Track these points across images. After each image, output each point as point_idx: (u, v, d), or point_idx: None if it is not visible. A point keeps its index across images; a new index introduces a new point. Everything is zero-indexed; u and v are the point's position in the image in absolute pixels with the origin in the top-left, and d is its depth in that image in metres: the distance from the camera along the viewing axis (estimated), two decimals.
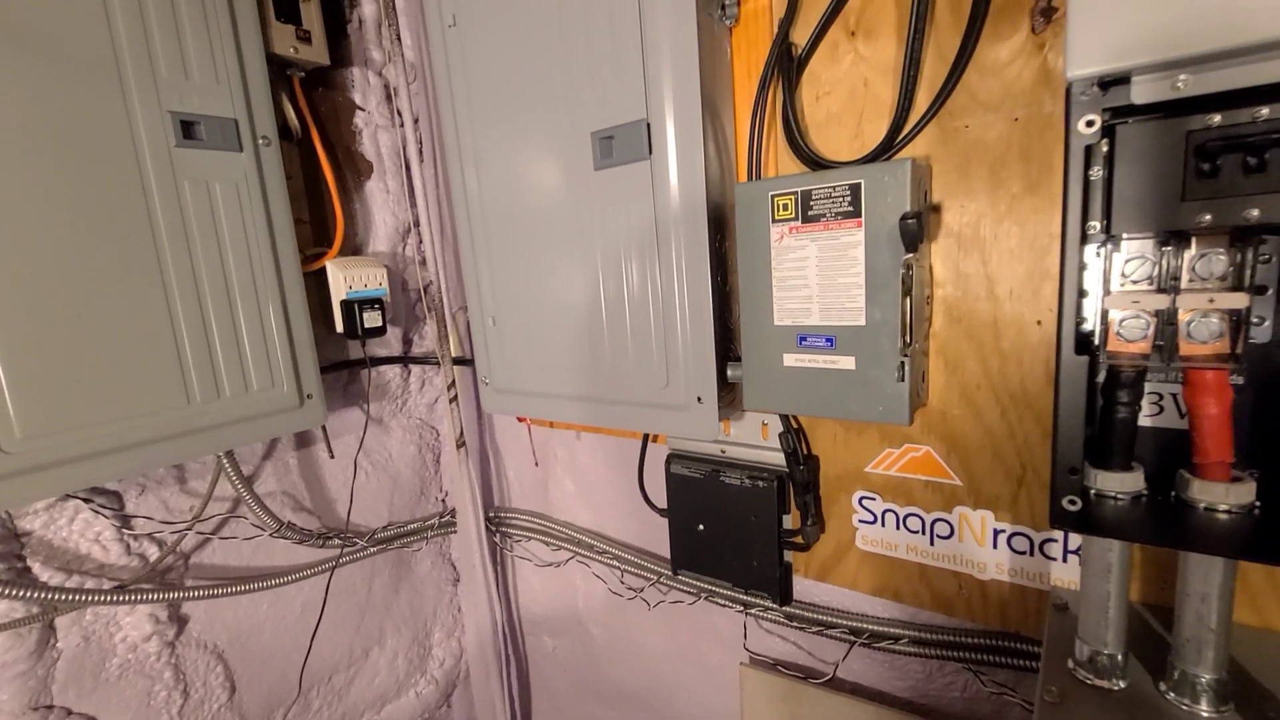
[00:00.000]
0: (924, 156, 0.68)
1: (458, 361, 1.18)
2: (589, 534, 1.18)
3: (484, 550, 1.30)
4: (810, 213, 0.66)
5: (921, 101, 0.67)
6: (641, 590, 1.13)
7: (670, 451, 0.95)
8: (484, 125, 0.89)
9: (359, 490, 1.18)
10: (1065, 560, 0.67)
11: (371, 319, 1.02)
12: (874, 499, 0.79)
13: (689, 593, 1.04)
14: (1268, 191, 0.39)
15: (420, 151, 1.16)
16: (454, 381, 1.18)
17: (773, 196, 0.68)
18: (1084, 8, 0.37)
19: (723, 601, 0.99)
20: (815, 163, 0.73)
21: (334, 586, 1.15)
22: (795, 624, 0.93)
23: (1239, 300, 0.42)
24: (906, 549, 0.78)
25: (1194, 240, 0.44)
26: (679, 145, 0.72)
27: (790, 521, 0.86)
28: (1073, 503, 0.46)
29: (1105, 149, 0.43)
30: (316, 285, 1.02)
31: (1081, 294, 0.49)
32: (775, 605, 0.90)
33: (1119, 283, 0.47)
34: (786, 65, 0.72)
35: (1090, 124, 0.40)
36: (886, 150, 0.68)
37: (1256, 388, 0.46)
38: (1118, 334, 0.48)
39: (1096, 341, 0.48)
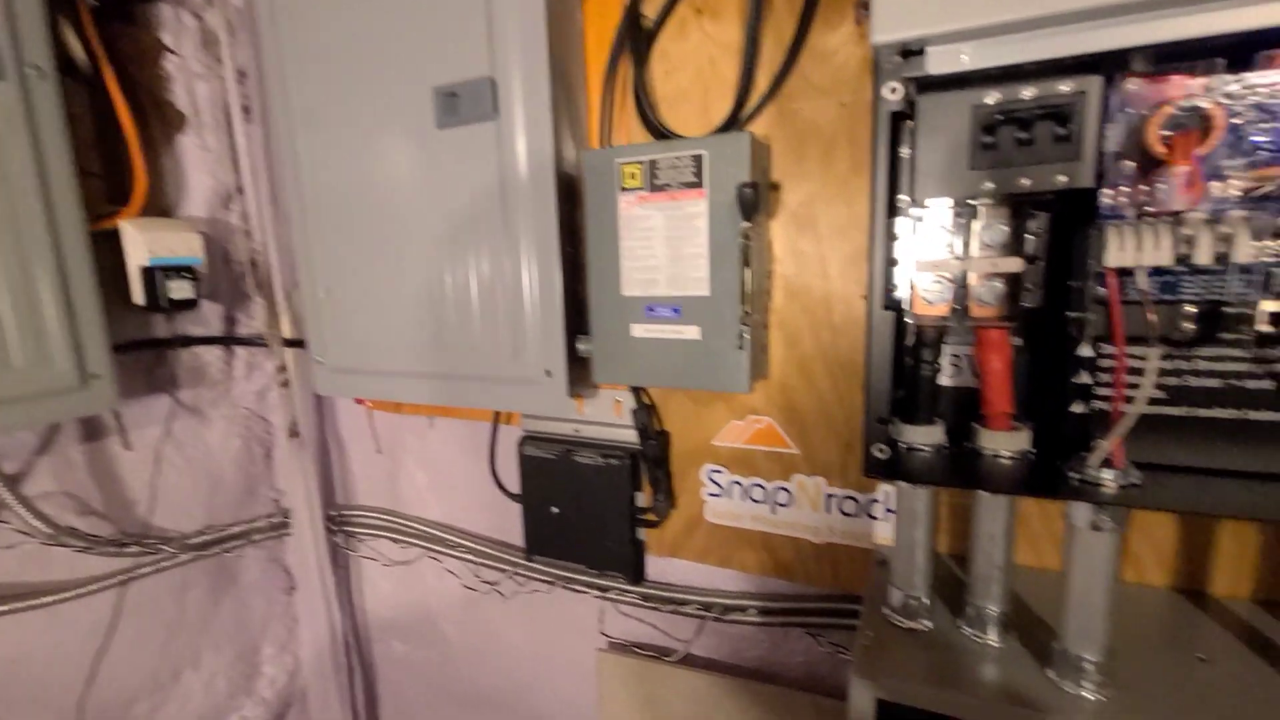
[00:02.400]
0: (765, 136, 0.70)
1: (290, 343, 1.07)
2: (441, 528, 1.11)
3: (323, 553, 1.19)
4: (657, 182, 0.66)
5: (762, 83, 0.69)
6: (497, 583, 1.08)
7: (524, 433, 0.92)
8: (316, 78, 0.81)
9: (168, 489, 1.03)
10: (887, 519, 0.73)
11: (179, 289, 0.89)
12: (721, 472, 0.81)
13: (545, 581, 1.02)
14: (1036, 163, 0.43)
15: (247, 109, 1.04)
16: (286, 365, 1.06)
17: (620, 164, 0.67)
18: None
19: (579, 588, 0.97)
20: (664, 136, 0.73)
21: (133, 601, 0.99)
22: (650, 604, 0.93)
23: (1015, 265, 0.47)
24: (751, 519, 0.81)
25: (983, 211, 0.49)
26: (527, 107, 0.69)
27: (644, 500, 0.86)
28: (881, 450, 0.49)
29: (912, 127, 0.47)
30: (110, 249, 0.88)
31: (893, 262, 0.52)
32: (629, 585, 0.89)
33: (924, 251, 0.51)
34: (636, 38, 0.72)
35: (894, 90, 0.43)
36: (730, 128, 0.70)
37: (1031, 348, 0.52)
38: (921, 298, 0.52)
39: (905, 306, 0.52)
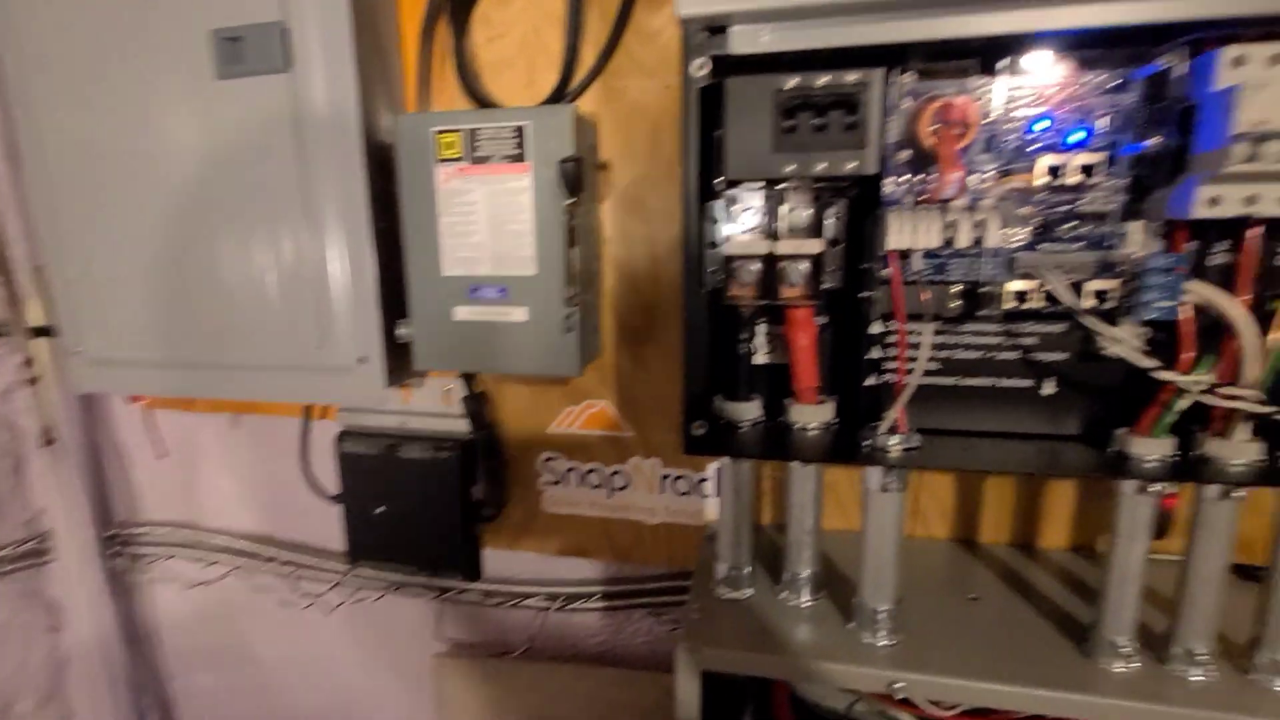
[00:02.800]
0: (592, 113, 0.69)
1: (40, 332, 0.88)
2: (252, 539, 0.99)
3: (97, 581, 1.01)
4: (478, 154, 0.62)
5: (588, 58, 0.67)
6: (320, 595, 0.98)
7: (342, 429, 0.83)
8: (58, 11, 0.66)
9: None
10: (717, 495, 0.75)
11: None
12: (558, 459, 0.79)
13: (374, 588, 0.94)
14: (830, 149, 0.46)
15: None
16: (33, 358, 0.88)
17: (436, 133, 0.62)
18: None
19: (413, 592, 0.91)
20: (488, 105, 0.69)
21: None
22: (491, 600, 0.89)
23: (816, 246, 0.50)
24: (589, 505, 0.80)
25: (789, 195, 0.51)
26: (328, 60, 0.62)
27: (480, 493, 0.81)
28: (700, 427, 0.50)
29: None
30: None
31: (714, 244, 0.53)
32: (465, 583, 0.85)
33: (737, 233, 0.52)
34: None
35: (702, 67, 0.43)
36: (558, 100, 0.68)
37: (834, 326, 0.55)
38: (736, 279, 0.53)
39: (719, 288, 0.53)
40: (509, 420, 0.80)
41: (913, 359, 0.49)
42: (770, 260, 0.52)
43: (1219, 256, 0.45)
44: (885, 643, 0.53)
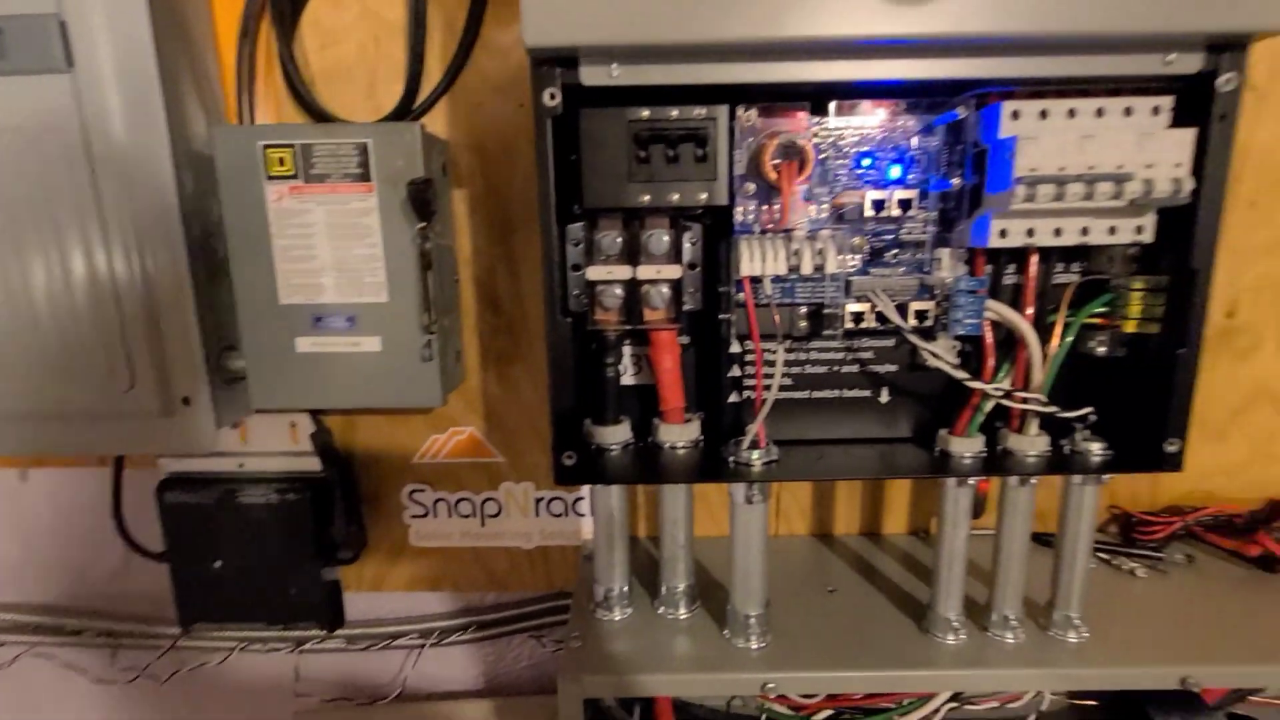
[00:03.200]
0: (445, 130, 0.66)
1: None
2: (54, 612, 0.84)
3: None
4: (314, 171, 0.57)
5: (435, 73, 0.64)
6: (146, 667, 0.85)
7: (165, 477, 0.73)
8: None
9: None
10: (593, 514, 0.75)
11: None
12: (424, 490, 0.75)
13: (218, 650, 0.83)
14: (683, 180, 0.47)
15: None
16: None
17: (265, 148, 0.56)
18: None
19: (265, 648, 0.82)
20: (325, 118, 0.64)
21: None
22: (358, 645, 0.83)
23: (675, 272, 0.51)
24: (460, 536, 0.76)
25: (649, 221, 0.52)
26: (121, 60, 0.53)
27: (338, 534, 0.75)
28: (569, 457, 0.49)
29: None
30: None
31: (577, 268, 0.53)
32: (325, 632, 0.78)
33: (599, 258, 0.52)
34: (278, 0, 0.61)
35: (553, 96, 0.43)
36: (404, 115, 0.64)
37: (697, 346, 0.57)
38: (599, 304, 0.53)
39: (585, 312, 0.53)
40: (367, 454, 0.74)
41: (769, 376, 0.51)
42: (632, 285, 0.52)
43: (1010, 279, 0.53)
44: (757, 646, 0.56)
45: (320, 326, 0.60)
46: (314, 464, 0.72)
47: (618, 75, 0.42)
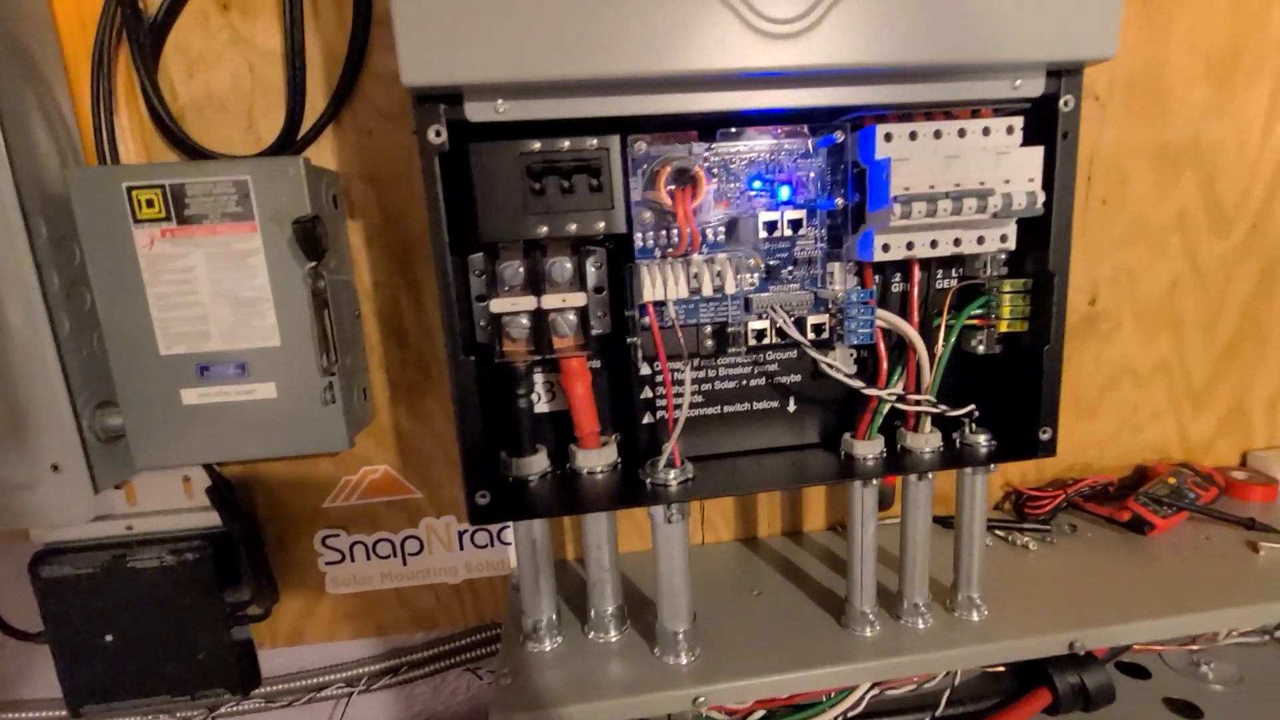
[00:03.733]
0: (336, 161, 0.63)
1: None
2: None
3: None
4: (188, 212, 0.53)
5: (319, 101, 0.61)
6: None
7: (39, 549, 0.66)
8: None
9: None
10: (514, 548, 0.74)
11: None
12: (339, 535, 0.72)
13: None
14: (579, 209, 0.47)
15: None
16: None
17: (130, 189, 0.52)
18: (408, 22, 0.38)
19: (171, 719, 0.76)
20: (198, 153, 0.60)
21: None
22: (280, 703, 0.78)
23: (579, 299, 0.51)
24: (381, 578, 0.73)
25: (549, 248, 0.52)
26: None
27: (245, 591, 0.70)
28: (483, 496, 0.48)
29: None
30: None
31: (481, 299, 0.52)
32: (238, 695, 0.73)
33: (503, 289, 0.52)
34: (135, 25, 0.56)
35: (439, 134, 0.42)
36: (287, 147, 0.61)
37: (609, 370, 0.57)
38: (507, 335, 0.52)
39: (490, 343, 0.52)
40: (273, 503, 0.70)
41: (679, 396, 0.52)
42: (539, 314, 0.52)
43: (898, 288, 0.56)
44: (687, 661, 0.56)
45: (208, 376, 0.56)
46: (213, 519, 0.67)
47: (504, 111, 0.42)
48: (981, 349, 0.57)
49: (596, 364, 0.57)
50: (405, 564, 0.73)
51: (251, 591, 0.69)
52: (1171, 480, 0.78)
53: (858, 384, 0.52)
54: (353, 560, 0.72)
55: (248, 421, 0.57)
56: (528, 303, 0.51)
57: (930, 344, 0.55)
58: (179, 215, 0.53)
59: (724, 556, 0.74)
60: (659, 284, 0.48)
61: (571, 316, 0.53)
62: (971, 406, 0.54)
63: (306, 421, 0.58)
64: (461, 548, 0.74)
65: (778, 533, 0.79)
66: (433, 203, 0.43)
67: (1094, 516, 0.77)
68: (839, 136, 0.50)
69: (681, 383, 0.52)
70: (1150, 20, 0.72)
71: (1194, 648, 0.75)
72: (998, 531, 0.75)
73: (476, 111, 0.42)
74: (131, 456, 0.57)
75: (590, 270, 0.54)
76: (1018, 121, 0.49)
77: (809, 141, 0.51)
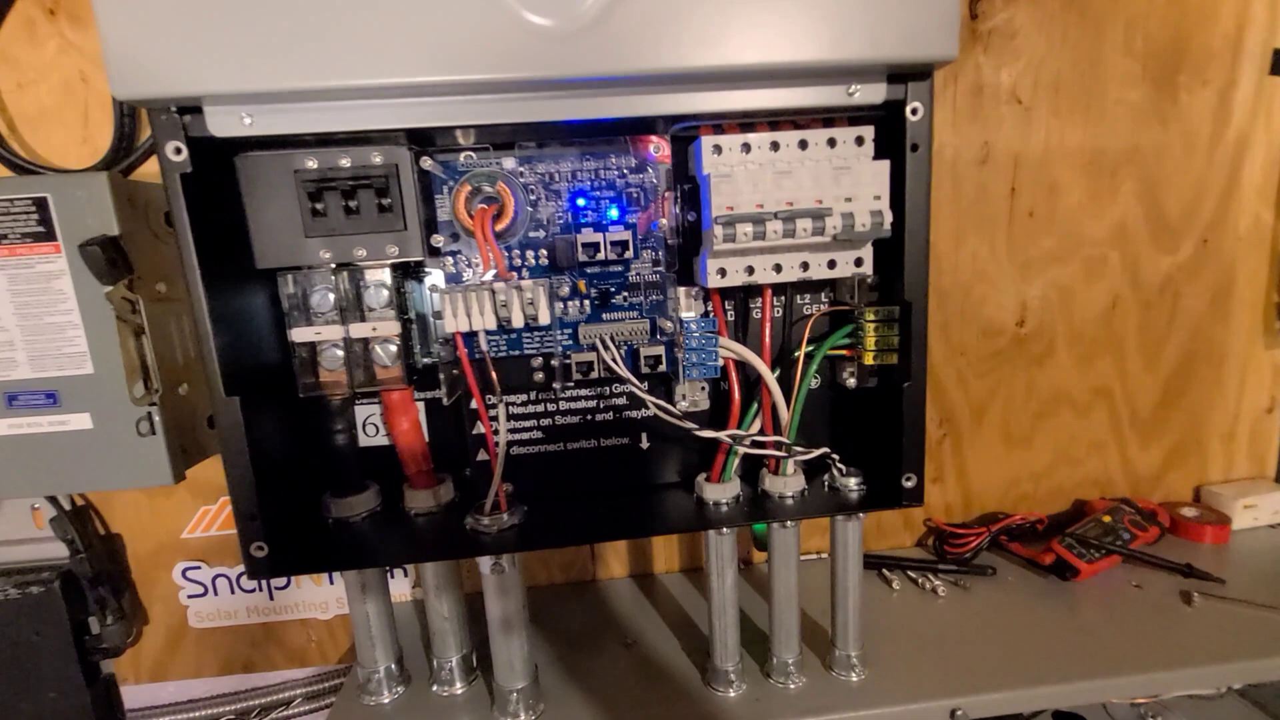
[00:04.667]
0: None
1: None
2: None
3: None
4: None
5: None
6: None
7: None
8: None
9: None
10: (398, 575, 0.69)
11: None
12: (199, 567, 0.68)
13: None
14: (368, 232, 0.43)
15: None
16: None
17: None
18: (114, 27, 0.33)
19: None
20: (22, 167, 0.56)
21: None
22: None
23: (391, 329, 0.47)
24: (248, 612, 0.69)
25: (364, 271, 0.47)
26: None
27: (99, 624, 0.67)
28: (260, 549, 0.44)
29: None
30: None
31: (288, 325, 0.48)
32: None
33: (314, 315, 0.47)
34: None
35: (179, 150, 0.38)
36: (122, 160, 0.57)
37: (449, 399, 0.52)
38: (322, 365, 0.48)
39: (299, 374, 0.47)
40: (127, 531, 0.67)
41: (496, 434, 0.48)
42: (352, 342, 0.48)
43: (753, 314, 0.50)
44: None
45: (16, 405, 0.53)
46: (63, 550, 0.64)
47: (250, 124, 0.37)
48: (852, 383, 0.51)
49: (439, 394, 0.52)
50: (272, 598, 0.69)
51: (101, 625, 0.65)
52: (1106, 519, 0.71)
53: (688, 425, 0.47)
54: (216, 594, 0.69)
55: (62, 454, 0.53)
56: (335, 332, 0.47)
57: (792, 376, 0.49)
58: None
59: (612, 596, 0.69)
60: (461, 314, 0.44)
61: (391, 346, 0.48)
62: (825, 449, 0.49)
63: (125, 454, 0.54)
64: (332, 582, 0.69)
65: (675, 569, 0.73)
66: (180, 228, 0.38)
67: (1018, 558, 0.71)
68: (654, 151, 0.45)
69: (496, 419, 0.47)
70: (1080, 16, 0.66)
71: (1139, 700, 0.69)
72: (909, 573, 0.69)
73: (221, 125, 0.37)
74: None
75: (426, 293, 0.49)
76: (868, 131, 0.43)
77: (637, 153, 0.46)
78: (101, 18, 0.33)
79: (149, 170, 0.59)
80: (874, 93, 0.41)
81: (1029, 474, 0.76)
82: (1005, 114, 0.67)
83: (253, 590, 0.69)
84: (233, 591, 0.69)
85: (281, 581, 0.69)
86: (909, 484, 0.47)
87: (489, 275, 0.44)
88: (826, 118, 0.44)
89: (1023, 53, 0.66)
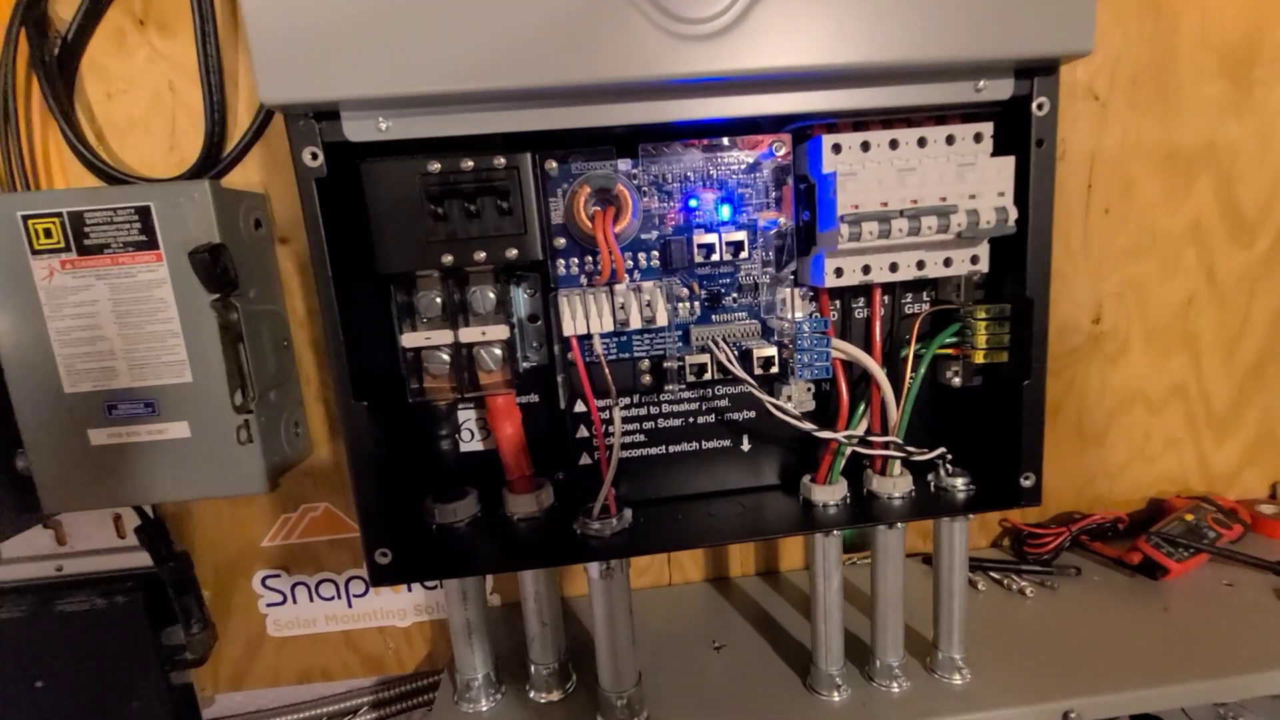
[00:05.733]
0: (263, 183, 0.59)
1: None
2: None
3: None
4: (89, 242, 0.50)
5: (245, 117, 0.58)
6: None
7: None
8: None
9: None
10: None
11: None
12: (279, 575, 0.68)
13: None
14: (487, 235, 0.42)
15: None
16: None
17: (26, 219, 0.49)
18: (263, 32, 0.33)
19: None
20: (113, 177, 0.56)
21: None
22: None
23: (501, 332, 0.47)
24: (326, 620, 0.69)
25: (470, 275, 0.47)
26: None
27: (180, 634, 0.67)
28: (384, 555, 0.44)
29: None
30: None
31: (405, 329, 0.48)
32: None
33: (420, 320, 0.47)
34: (39, 44, 0.53)
35: (315, 156, 0.38)
36: (210, 169, 0.57)
37: (547, 405, 0.52)
38: (427, 370, 0.48)
39: (407, 379, 0.47)
40: (206, 541, 0.66)
41: (610, 436, 0.47)
42: (460, 347, 0.48)
43: (862, 314, 0.50)
44: None
45: (116, 415, 0.53)
46: (147, 558, 0.64)
47: (387, 129, 0.37)
48: (957, 382, 0.50)
49: (534, 398, 0.52)
50: (350, 605, 0.69)
51: (185, 636, 0.65)
52: (1189, 517, 0.70)
53: (808, 426, 0.46)
54: (295, 602, 0.68)
55: (160, 462, 0.54)
56: (444, 336, 0.47)
57: (900, 376, 0.49)
58: (79, 245, 0.50)
59: (690, 600, 0.69)
60: (579, 316, 0.43)
61: (497, 350, 0.48)
62: (941, 450, 0.48)
63: (222, 462, 0.54)
64: (410, 589, 0.69)
65: (751, 572, 0.73)
66: (313, 233, 0.38)
67: (1101, 558, 0.70)
68: (777, 149, 0.45)
69: (610, 422, 0.47)
70: (1155, 10, 0.65)
71: (1221, 700, 0.68)
72: (992, 574, 0.68)
73: (357, 130, 0.37)
74: (40, 503, 0.54)
75: (522, 298, 0.49)
76: (986, 128, 0.43)
77: (751, 155, 0.46)
78: (250, 24, 0.33)
79: (234, 179, 0.59)
80: (1001, 89, 0.41)
81: (1104, 472, 0.75)
82: (1081, 110, 0.67)
83: (331, 598, 0.69)
84: (311, 600, 0.69)
85: (360, 589, 0.69)
86: (1027, 483, 0.47)
87: (606, 277, 0.43)
88: (940, 115, 0.44)
89: (1100, 47, 0.66)
